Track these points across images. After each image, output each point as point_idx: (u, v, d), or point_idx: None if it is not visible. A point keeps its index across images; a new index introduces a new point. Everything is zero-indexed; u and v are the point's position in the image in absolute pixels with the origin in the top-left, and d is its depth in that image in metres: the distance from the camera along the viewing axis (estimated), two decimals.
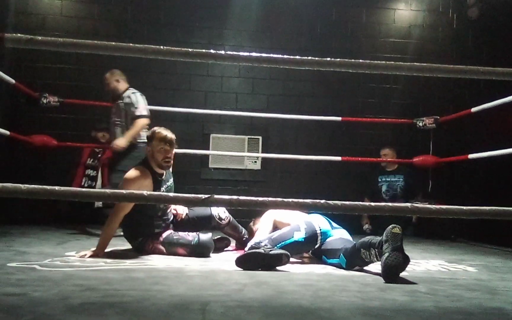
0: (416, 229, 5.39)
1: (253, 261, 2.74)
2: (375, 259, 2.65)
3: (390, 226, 2.54)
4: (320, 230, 3.09)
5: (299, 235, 3.03)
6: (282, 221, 3.33)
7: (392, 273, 2.44)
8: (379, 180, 5.74)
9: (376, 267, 2.81)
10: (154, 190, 3.17)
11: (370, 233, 5.32)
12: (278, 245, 2.94)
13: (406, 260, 2.48)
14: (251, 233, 3.59)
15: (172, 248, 3.22)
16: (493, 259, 3.68)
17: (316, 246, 3.10)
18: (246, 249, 3.00)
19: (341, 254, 2.86)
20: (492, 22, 6.19)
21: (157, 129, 3.30)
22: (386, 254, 2.46)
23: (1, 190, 1.78)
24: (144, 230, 3.27)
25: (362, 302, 1.95)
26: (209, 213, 3.56)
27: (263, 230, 3.35)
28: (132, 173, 3.18)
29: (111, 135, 4.56)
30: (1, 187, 1.78)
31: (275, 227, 3.38)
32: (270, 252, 2.78)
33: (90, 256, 2.92)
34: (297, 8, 6.28)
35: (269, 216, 3.42)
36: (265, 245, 2.89)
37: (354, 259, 2.79)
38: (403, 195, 5.56)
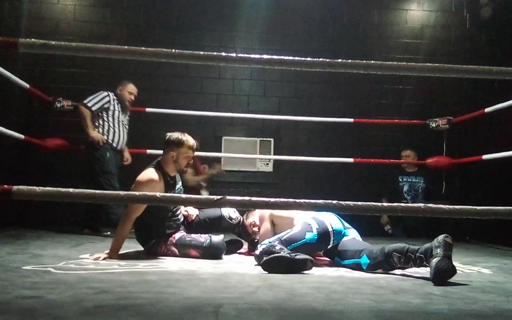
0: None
1: (278, 265, 2.72)
2: (411, 264, 2.66)
3: (443, 235, 2.56)
4: (333, 229, 3.02)
5: (311, 235, 2.98)
6: (281, 215, 3.28)
7: (443, 276, 2.46)
8: (400, 180, 5.69)
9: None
10: (165, 193, 3.18)
11: (392, 233, 5.36)
12: (289, 247, 2.90)
13: (454, 269, 2.50)
14: (245, 228, 3.56)
15: (184, 250, 3.23)
16: (508, 260, 3.63)
17: (330, 246, 3.04)
18: (257, 252, 2.96)
19: (365, 255, 2.83)
20: (505, 21, 6.12)
21: (184, 137, 3.34)
22: (438, 258, 2.47)
23: (16, 193, 1.81)
24: (156, 232, 3.29)
25: (375, 305, 1.95)
26: (219, 213, 3.58)
27: (266, 228, 3.31)
28: (146, 175, 3.20)
29: (121, 139, 4.84)
30: (16, 190, 1.81)
31: (272, 223, 3.32)
32: (296, 257, 2.75)
33: (104, 259, 2.95)
34: (308, 10, 6.26)
35: (266, 212, 3.36)
36: (281, 248, 2.86)
37: (380, 262, 2.77)
38: (424, 196, 5.54)
